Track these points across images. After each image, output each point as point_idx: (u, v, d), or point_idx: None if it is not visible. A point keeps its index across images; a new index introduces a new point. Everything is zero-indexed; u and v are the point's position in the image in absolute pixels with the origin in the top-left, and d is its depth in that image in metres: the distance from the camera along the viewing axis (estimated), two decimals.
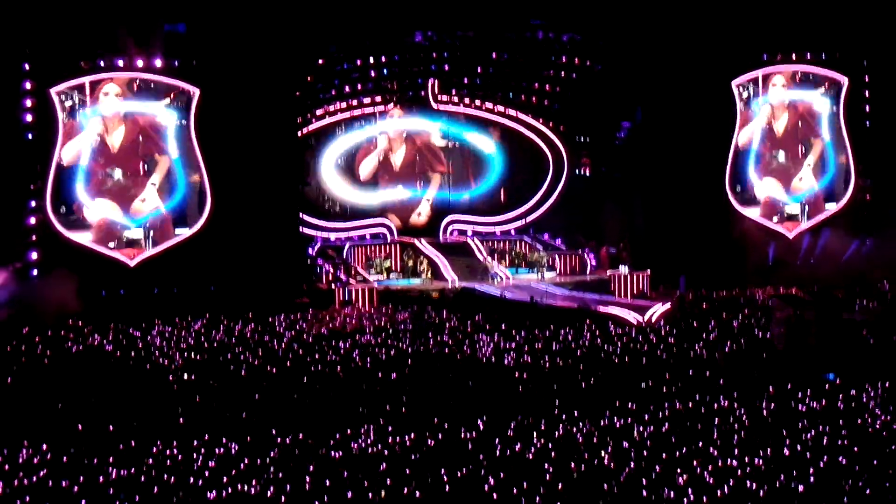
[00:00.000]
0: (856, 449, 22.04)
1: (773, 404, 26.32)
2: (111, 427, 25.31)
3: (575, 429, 24.56)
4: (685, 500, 19.28)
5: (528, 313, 37.90)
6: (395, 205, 51.01)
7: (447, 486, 20.38)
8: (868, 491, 19.55)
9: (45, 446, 23.47)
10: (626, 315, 37.38)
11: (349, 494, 20.05)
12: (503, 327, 35.55)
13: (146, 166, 41.49)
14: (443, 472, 21.05)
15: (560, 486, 20.06)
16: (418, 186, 51.19)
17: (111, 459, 22.68)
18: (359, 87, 49.12)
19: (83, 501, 20.01)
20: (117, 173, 41.29)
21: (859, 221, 47.94)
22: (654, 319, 37.13)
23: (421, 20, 46.25)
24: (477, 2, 46.64)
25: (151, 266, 41.18)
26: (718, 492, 19.63)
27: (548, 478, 20.74)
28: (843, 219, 47.82)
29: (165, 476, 21.41)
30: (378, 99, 50.14)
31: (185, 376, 29.54)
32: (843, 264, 44.82)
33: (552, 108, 51.22)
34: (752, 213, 47.29)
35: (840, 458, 21.38)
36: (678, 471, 20.82)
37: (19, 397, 27.76)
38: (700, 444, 22.83)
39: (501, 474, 20.87)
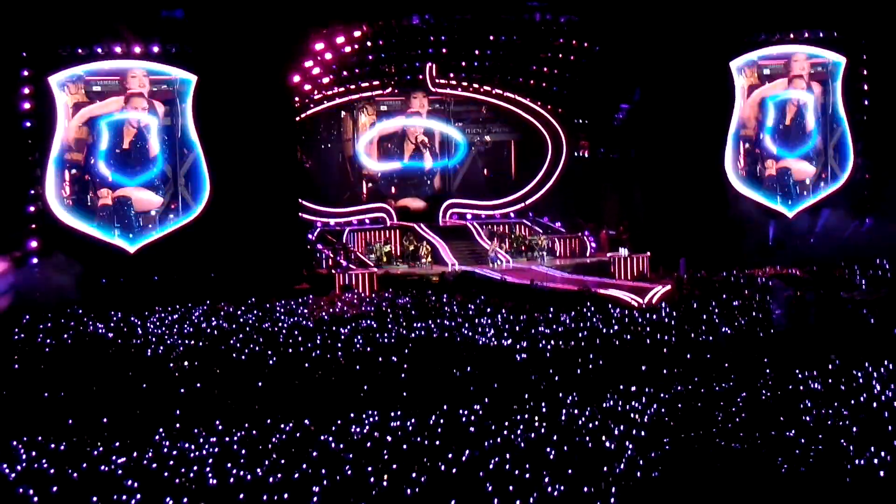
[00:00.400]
0: (856, 430, 22.08)
1: (773, 385, 26.35)
2: (112, 415, 25.37)
3: (576, 411, 24.60)
4: (686, 481, 19.32)
5: (529, 296, 37.90)
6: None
7: (449, 471, 20.41)
8: (869, 471, 19.58)
9: (47, 435, 23.55)
10: (627, 297, 37.41)
11: (351, 480, 20.08)
12: (503, 311, 35.56)
13: (145, 154, 41.44)
14: (447, 455, 21.10)
15: (561, 469, 20.09)
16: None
17: (113, 447, 22.75)
18: (356, 71, 49.10)
19: (86, 489, 20.03)
20: (116, 161, 41.25)
21: (858, 200, 47.91)
22: (654, 301, 37.15)
23: (418, 3, 46.15)
24: None
25: (151, 253, 41.17)
26: (720, 473, 19.67)
27: (550, 460, 20.78)
28: (842, 198, 47.77)
29: (167, 464, 21.45)
30: (376, 83, 50.18)
31: (186, 363, 29.54)
32: (843, 244, 44.80)
33: (550, 91, 51.21)
34: (752, 193, 47.25)
35: (841, 439, 21.41)
36: (680, 452, 20.86)
37: (21, 386, 27.76)
38: (701, 425, 22.87)
39: (507, 456, 20.93)
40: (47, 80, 40.09)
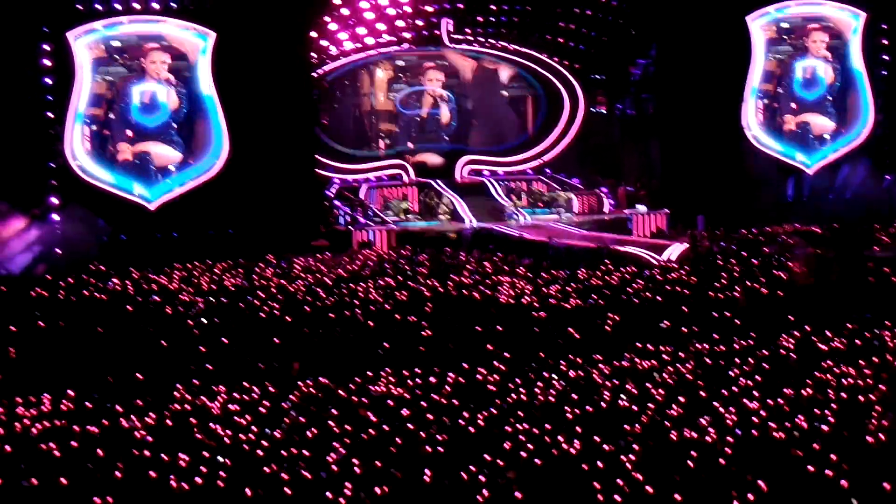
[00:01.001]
0: (883, 388, 22.03)
1: (794, 344, 26.29)
2: (132, 372, 25.45)
3: (594, 370, 24.60)
4: (706, 440, 19.29)
5: (546, 253, 37.88)
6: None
7: (468, 429, 20.43)
8: (891, 430, 19.54)
9: (70, 392, 23.63)
10: (645, 254, 37.36)
11: (371, 438, 20.12)
12: (521, 268, 35.53)
13: (164, 109, 41.45)
14: (464, 414, 21.12)
15: (580, 428, 20.09)
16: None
17: (133, 404, 22.82)
18: (374, 27, 48.94)
19: (106, 446, 20.10)
20: (135, 117, 41.29)
21: (878, 157, 47.70)
22: (672, 258, 37.09)
23: None
24: None
25: (171, 210, 41.27)
26: (740, 432, 19.63)
27: (568, 419, 20.79)
28: (862, 154, 47.58)
29: (187, 420, 21.52)
30: (393, 39, 49.99)
31: (205, 320, 29.59)
32: (863, 200, 44.64)
33: (567, 46, 51.02)
34: (770, 149, 47.07)
35: (861, 398, 21.36)
36: (699, 412, 20.83)
37: (42, 344, 27.85)
38: (721, 384, 22.84)
39: (520, 414, 20.93)
40: (66, 35, 40.04)
